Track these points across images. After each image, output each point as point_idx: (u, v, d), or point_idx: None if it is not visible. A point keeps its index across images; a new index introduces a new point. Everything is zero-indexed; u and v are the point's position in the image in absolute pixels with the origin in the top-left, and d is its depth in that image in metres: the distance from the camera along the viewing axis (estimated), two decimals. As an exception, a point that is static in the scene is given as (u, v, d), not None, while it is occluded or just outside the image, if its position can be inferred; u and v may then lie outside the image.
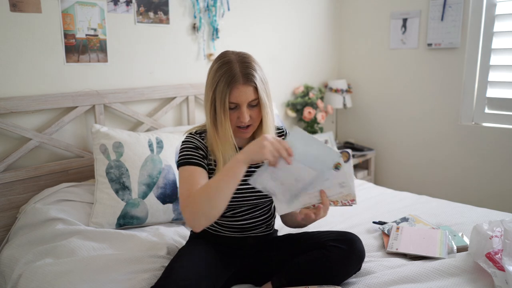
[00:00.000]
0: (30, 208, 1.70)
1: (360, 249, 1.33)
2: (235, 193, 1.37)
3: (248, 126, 1.35)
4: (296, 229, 1.58)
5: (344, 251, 1.30)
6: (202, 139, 1.39)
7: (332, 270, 1.29)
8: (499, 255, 1.26)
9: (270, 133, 1.38)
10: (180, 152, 1.37)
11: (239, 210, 1.42)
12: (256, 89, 1.29)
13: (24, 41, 1.78)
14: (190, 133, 1.41)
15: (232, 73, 1.27)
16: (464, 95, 2.75)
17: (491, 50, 2.60)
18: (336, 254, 1.29)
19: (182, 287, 1.15)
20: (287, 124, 3.06)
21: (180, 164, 1.34)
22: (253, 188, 1.38)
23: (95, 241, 1.57)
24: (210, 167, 1.38)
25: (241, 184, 1.39)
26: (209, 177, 1.37)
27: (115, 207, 1.72)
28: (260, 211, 1.46)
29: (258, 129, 1.39)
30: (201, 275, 1.23)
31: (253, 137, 1.42)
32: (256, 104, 1.32)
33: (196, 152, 1.35)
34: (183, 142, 1.39)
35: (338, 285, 1.32)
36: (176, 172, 1.84)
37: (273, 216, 1.54)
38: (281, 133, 1.50)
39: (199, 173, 1.31)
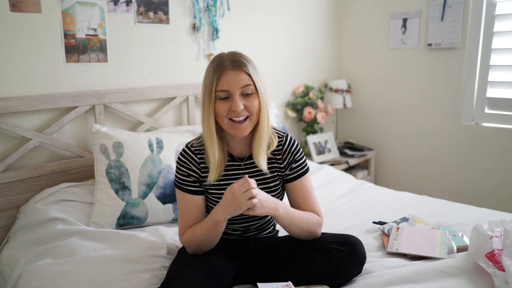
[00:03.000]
0: (30, 208, 1.70)
1: (361, 252, 1.32)
2: None
3: (245, 120, 1.27)
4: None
5: (345, 254, 1.29)
6: (200, 152, 1.36)
7: (333, 273, 1.29)
8: (499, 255, 1.26)
9: (266, 130, 1.29)
10: (175, 172, 1.38)
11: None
12: (248, 75, 1.24)
13: (24, 41, 1.78)
14: (187, 147, 1.38)
15: (220, 61, 1.25)
16: (464, 95, 2.75)
17: (491, 50, 2.59)
18: (337, 257, 1.29)
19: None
20: (287, 125, 3.06)
21: (175, 185, 1.38)
22: None
23: (95, 241, 1.57)
24: (205, 177, 1.36)
25: None
26: (207, 184, 1.36)
27: (115, 207, 1.72)
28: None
29: (254, 128, 1.31)
30: (205, 275, 1.23)
31: (251, 137, 1.34)
32: (251, 93, 1.25)
33: (187, 178, 1.34)
34: (177, 160, 1.38)
35: (339, 287, 1.31)
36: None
37: (273, 218, 1.54)
38: (280, 141, 1.39)
39: (192, 204, 1.35)
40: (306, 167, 1.41)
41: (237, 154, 1.38)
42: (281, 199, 1.43)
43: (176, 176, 1.37)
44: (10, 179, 1.74)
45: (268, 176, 1.38)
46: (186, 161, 1.35)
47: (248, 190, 1.19)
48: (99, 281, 1.32)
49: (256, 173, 1.38)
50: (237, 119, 1.26)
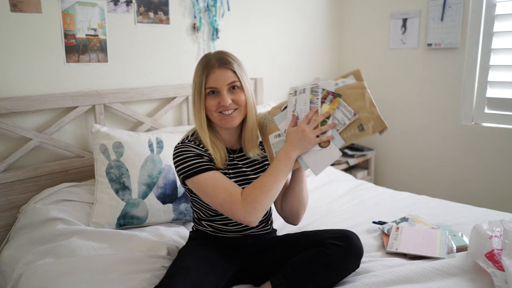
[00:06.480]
0: (30, 208, 1.70)
1: (357, 245, 1.33)
2: None
3: (234, 111, 1.34)
4: (295, 228, 1.60)
5: (342, 248, 1.30)
6: (199, 144, 1.38)
7: (330, 267, 1.30)
8: (499, 255, 1.26)
9: (254, 121, 1.40)
10: (183, 163, 1.32)
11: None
12: (234, 72, 1.33)
13: (24, 41, 1.78)
14: (183, 142, 1.38)
15: (207, 60, 1.34)
16: (464, 95, 2.75)
17: (491, 50, 2.60)
18: (334, 251, 1.30)
19: (187, 286, 1.15)
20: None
21: (193, 173, 1.30)
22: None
23: (95, 241, 1.57)
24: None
25: (241, 181, 1.39)
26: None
27: (115, 207, 1.72)
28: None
29: (243, 122, 1.40)
30: (205, 274, 1.23)
31: (241, 128, 1.42)
32: (237, 88, 1.34)
33: (201, 159, 1.33)
34: (181, 152, 1.34)
35: (337, 283, 1.32)
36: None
37: (271, 215, 1.54)
38: None
39: (223, 177, 1.32)
40: None
41: (229, 147, 1.44)
42: None
43: (186, 166, 1.31)
44: (10, 179, 1.74)
45: (261, 162, 1.46)
46: (190, 147, 1.35)
47: (317, 128, 1.30)
48: (99, 281, 1.32)
49: (249, 163, 1.44)
50: (227, 112, 1.34)
